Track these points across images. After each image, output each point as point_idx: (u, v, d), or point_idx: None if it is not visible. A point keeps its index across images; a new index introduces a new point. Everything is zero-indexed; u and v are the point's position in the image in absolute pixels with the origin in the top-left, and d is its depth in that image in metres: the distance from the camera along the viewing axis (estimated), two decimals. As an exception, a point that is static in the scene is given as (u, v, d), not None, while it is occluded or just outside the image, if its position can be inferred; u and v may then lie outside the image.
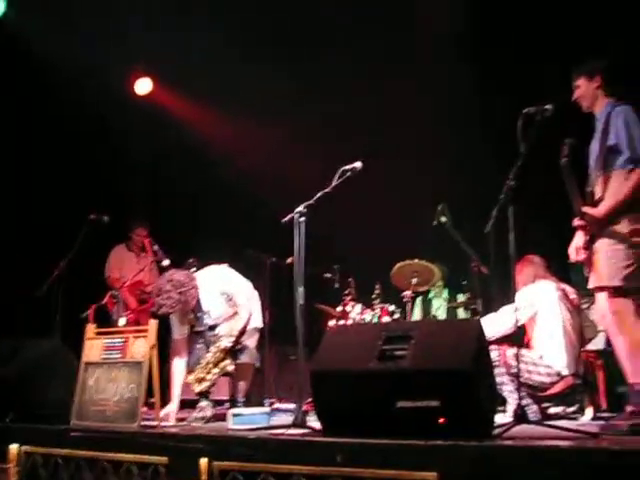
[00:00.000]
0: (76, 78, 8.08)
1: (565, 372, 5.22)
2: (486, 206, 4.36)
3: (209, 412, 5.50)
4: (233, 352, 5.56)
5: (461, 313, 7.42)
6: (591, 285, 4.43)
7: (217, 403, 5.90)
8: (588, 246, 4.40)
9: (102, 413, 4.55)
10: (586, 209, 4.43)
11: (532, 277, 5.58)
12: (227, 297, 5.70)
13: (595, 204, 4.42)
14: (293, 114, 8.11)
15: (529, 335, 5.50)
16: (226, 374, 5.59)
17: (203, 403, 5.55)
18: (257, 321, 5.96)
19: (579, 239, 4.50)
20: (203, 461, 3.71)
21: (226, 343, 5.50)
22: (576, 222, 4.54)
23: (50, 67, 8.08)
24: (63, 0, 7.63)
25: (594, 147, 4.55)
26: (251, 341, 5.82)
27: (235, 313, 5.68)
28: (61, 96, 8.27)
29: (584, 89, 4.63)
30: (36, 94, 8.33)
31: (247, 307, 5.68)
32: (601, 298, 4.33)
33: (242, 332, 5.59)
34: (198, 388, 5.47)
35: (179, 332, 5.64)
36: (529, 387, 5.19)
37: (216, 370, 5.49)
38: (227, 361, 5.50)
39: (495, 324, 5.25)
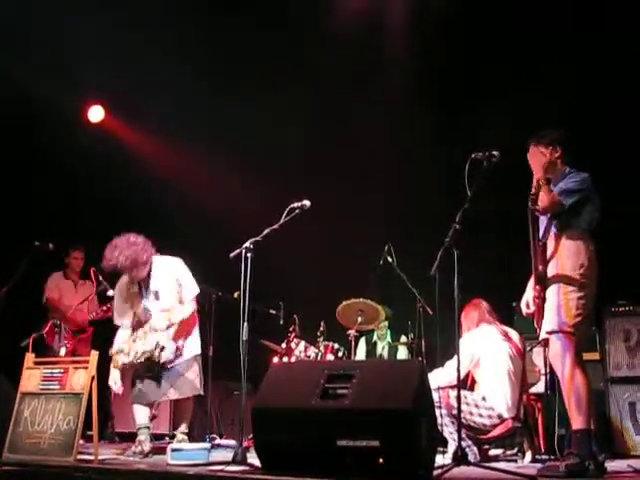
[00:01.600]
0: (27, 104, 8.01)
1: (506, 415, 5.27)
2: (433, 248, 4.41)
3: (147, 447, 5.38)
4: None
5: (403, 353, 7.48)
6: (545, 331, 4.41)
7: (156, 437, 5.81)
8: (539, 297, 4.42)
9: (37, 445, 4.44)
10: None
11: (476, 321, 5.66)
12: (178, 286, 5.55)
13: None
14: (244, 147, 8.15)
15: (473, 377, 5.56)
16: (148, 360, 5.34)
17: (142, 437, 5.42)
18: (196, 348, 5.74)
19: (530, 293, 4.53)
20: (140, 497, 3.65)
21: (161, 324, 5.34)
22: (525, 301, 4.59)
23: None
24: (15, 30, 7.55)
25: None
26: (190, 372, 5.63)
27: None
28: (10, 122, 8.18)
29: (540, 157, 4.49)
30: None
31: (192, 307, 5.55)
32: (554, 341, 4.34)
33: (178, 325, 5.41)
34: (118, 361, 5.32)
35: (118, 319, 5.57)
36: (470, 429, 5.24)
37: (140, 351, 5.31)
38: (155, 351, 5.31)
39: (441, 377, 5.30)
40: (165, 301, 5.54)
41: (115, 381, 5.37)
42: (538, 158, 4.50)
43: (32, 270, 6.78)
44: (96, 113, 9.30)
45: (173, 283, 5.58)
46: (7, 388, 5.02)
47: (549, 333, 4.27)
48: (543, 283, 4.36)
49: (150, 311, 5.53)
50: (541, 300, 4.37)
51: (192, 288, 5.64)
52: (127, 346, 5.39)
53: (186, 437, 5.69)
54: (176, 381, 5.58)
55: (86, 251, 7.78)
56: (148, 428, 5.53)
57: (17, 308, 6.81)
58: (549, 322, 4.27)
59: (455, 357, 4.22)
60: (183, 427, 5.76)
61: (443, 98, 7.64)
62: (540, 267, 4.38)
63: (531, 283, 4.51)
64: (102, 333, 7.60)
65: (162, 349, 5.33)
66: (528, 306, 4.52)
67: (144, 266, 5.47)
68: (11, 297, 6.68)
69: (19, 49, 7.80)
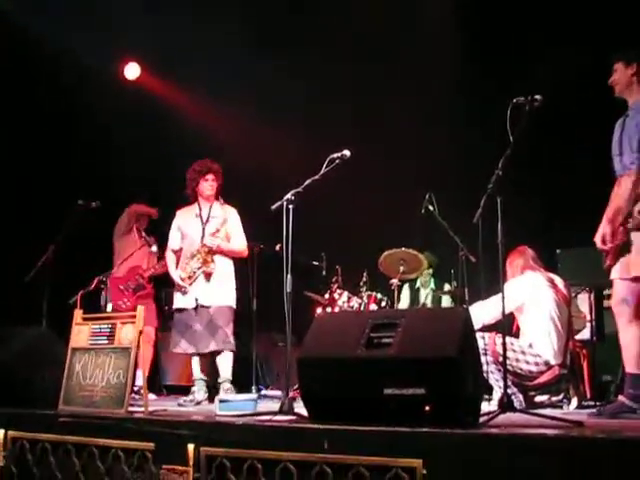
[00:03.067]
0: (64, 62, 8.04)
1: (553, 362, 5.25)
2: (475, 195, 4.36)
3: (201, 396, 5.83)
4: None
5: (446, 301, 7.46)
6: (615, 275, 4.39)
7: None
8: (614, 237, 4.35)
9: (89, 398, 4.54)
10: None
11: (521, 268, 5.60)
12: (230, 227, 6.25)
13: None
14: (279, 102, 8.10)
15: (518, 324, 5.53)
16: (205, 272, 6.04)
17: (197, 386, 5.94)
18: (233, 299, 6.16)
19: (607, 228, 4.44)
20: (190, 447, 3.71)
21: (212, 242, 6.04)
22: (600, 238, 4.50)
23: (37, 52, 8.05)
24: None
25: (616, 136, 4.51)
26: (230, 326, 6.08)
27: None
28: (47, 80, 8.23)
29: (619, 75, 4.56)
30: (23, 79, 8.28)
31: (239, 247, 6.28)
32: (622, 285, 4.31)
33: (223, 250, 6.14)
34: (182, 274, 6.06)
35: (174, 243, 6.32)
36: (516, 376, 5.22)
37: (197, 265, 6.05)
38: (209, 262, 6.04)
39: (483, 312, 5.27)
40: (217, 227, 6.17)
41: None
42: (615, 75, 4.53)
43: (80, 228, 6.89)
44: (132, 70, 9.31)
45: (229, 221, 6.23)
46: (58, 344, 5.13)
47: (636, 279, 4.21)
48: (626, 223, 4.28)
49: (207, 232, 6.13)
50: (621, 240, 4.30)
51: (242, 241, 6.29)
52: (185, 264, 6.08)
53: (232, 386, 5.87)
54: (216, 333, 5.80)
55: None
56: (204, 380, 6.02)
57: (65, 266, 6.93)
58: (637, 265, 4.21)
59: (499, 294, 4.18)
60: (226, 375, 5.92)
61: (481, 45, 7.50)
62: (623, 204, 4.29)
63: (607, 217, 4.43)
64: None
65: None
66: (604, 241, 4.43)
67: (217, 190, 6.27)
68: (59, 255, 6.81)
69: (55, 8, 7.82)
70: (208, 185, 6.23)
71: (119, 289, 7.21)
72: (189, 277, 6.06)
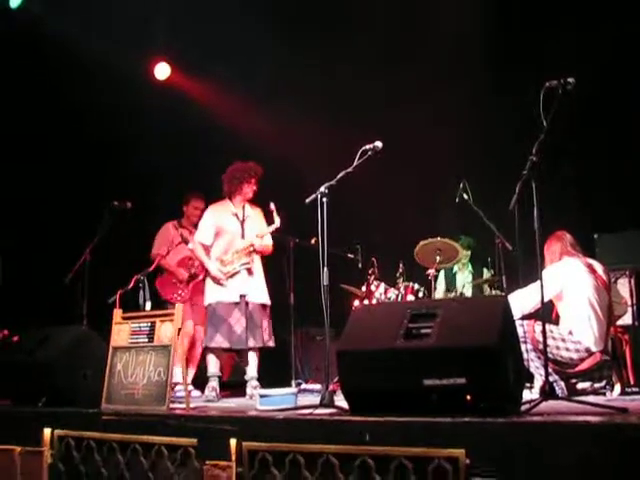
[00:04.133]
0: (95, 63, 8.13)
1: (594, 348, 5.19)
2: (509, 182, 4.32)
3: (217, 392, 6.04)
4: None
5: (487, 290, 7.39)
6: None
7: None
8: None
9: (131, 396, 4.59)
10: None
11: (559, 254, 5.53)
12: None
13: None
14: (309, 95, 8.10)
15: (557, 311, 5.47)
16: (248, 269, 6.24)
17: (214, 382, 6.08)
18: (267, 297, 6.30)
19: None
20: (232, 442, 3.74)
21: (259, 243, 6.31)
22: None
23: (68, 53, 8.14)
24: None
25: None
26: (265, 322, 6.23)
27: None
28: (80, 82, 8.33)
29: None
30: (55, 80, 8.38)
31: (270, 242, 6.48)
32: None
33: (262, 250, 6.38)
34: (223, 269, 6.20)
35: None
36: (557, 363, 5.17)
37: (243, 260, 6.23)
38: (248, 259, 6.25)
39: (522, 300, 5.22)
40: (257, 229, 6.38)
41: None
42: None
43: (116, 228, 6.97)
44: (162, 70, 9.37)
45: (260, 222, 6.45)
46: (99, 343, 5.19)
47: None
48: None
49: (247, 231, 6.32)
50: None
51: (269, 238, 6.46)
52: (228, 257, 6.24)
53: (258, 384, 5.92)
54: (254, 330, 5.86)
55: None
56: (218, 377, 6.17)
57: (103, 266, 7.01)
58: None
59: (538, 282, 4.13)
60: (254, 372, 6.05)
61: (512, 29, 7.42)
62: None
63: None
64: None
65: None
66: None
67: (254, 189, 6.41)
68: (97, 255, 6.89)
69: (85, 10, 7.91)
70: (250, 189, 6.39)
71: (171, 282, 7.23)
72: (229, 272, 6.15)
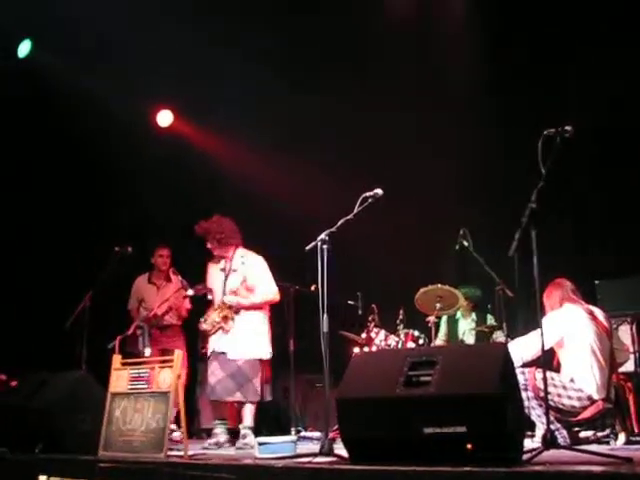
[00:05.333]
0: (99, 110, 8.24)
1: (596, 396, 5.13)
2: (508, 230, 4.34)
3: (223, 438, 5.90)
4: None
5: (500, 336, 7.34)
6: None
7: (231, 431, 6.02)
8: None
9: (129, 444, 4.55)
10: None
11: (559, 300, 5.51)
12: (251, 279, 6.19)
13: None
14: (309, 143, 8.17)
15: (558, 358, 5.44)
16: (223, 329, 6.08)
17: (218, 430, 5.99)
18: (263, 352, 6.10)
19: None
20: (231, 491, 3.70)
21: (230, 299, 6.08)
22: None
23: (71, 101, 8.26)
24: (84, 38, 7.76)
25: None
26: (257, 378, 6.03)
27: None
28: (82, 128, 8.43)
29: None
30: (56, 127, 8.49)
31: (262, 299, 6.19)
32: None
33: (244, 306, 6.12)
34: (203, 326, 6.15)
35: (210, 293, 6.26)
36: (559, 411, 5.12)
37: (217, 319, 6.08)
38: (229, 319, 6.08)
39: (523, 348, 5.19)
40: (236, 284, 6.15)
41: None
42: None
43: (116, 274, 6.99)
44: (165, 117, 9.49)
45: (248, 274, 6.15)
46: (98, 389, 5.16)
47: None
48: None
49: (227, 287, 6.14)
50: None
51: (267, 289, 6.21)
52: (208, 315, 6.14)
53: (249, 432, 5.83)
54: (243, 385, 5.80)
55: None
56: (223, 423, 6.04)
57: (102, 312, 7.01)
58: None
59: (539, 330, 4.12)
60: (248, 422, 5.97)
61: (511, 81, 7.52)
62: None
63: None
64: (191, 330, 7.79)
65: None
66: None
67: (229, 247, 6.21)
68: (96, 301, 6.89)
69: (88, 59, 8.04)
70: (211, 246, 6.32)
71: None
72: (211, 328, 6.13)
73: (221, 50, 8.13)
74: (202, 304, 6.44)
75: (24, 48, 8.58)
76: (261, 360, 6.08)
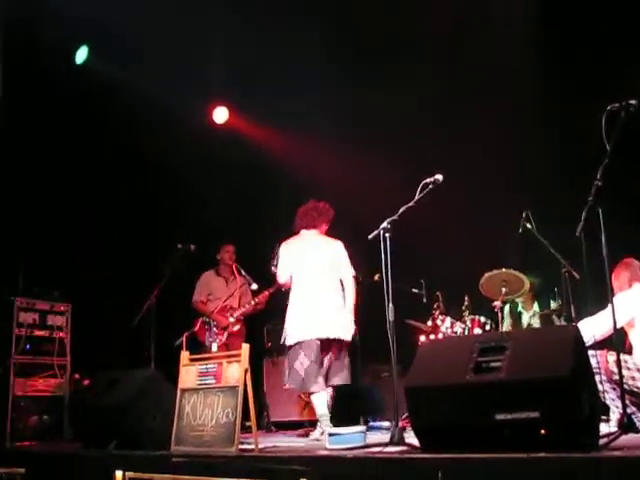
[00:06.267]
0: (155, 111, 8.34)
1: (672, 378, 4.99)
2: (573, 209, 4.24)
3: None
4: None
5: (555, 321, 7.21)
6: None
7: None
8: None
9: (200, 438, 4.60)
10: None
11: (628, 281, 5.38)
12: None
13: None
14: (367, 131, 8.12)
15: (630, 340, 5.30)
16: None
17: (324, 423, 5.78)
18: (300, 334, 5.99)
19: None
20: (303, 482, 3.70)
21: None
22: None
23: (128, 104, 8.38)
24: (139, 38, 7.85)
25: None
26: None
27: None
28: (139, 131, 8.55)
29: None
30: (118, 129, 8.62)
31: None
32: None
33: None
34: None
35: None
36: (633, 395, 4.99)
37: None
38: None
39: (592, 327, 5.07)
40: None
41: None
42: None
43: (180, 271, 7.09)
44: (221, 114, 9.56)
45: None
46: (167, 386, 5.24)
47: None
48: None
49: None
50: None
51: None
52: None
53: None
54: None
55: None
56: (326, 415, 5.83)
57: (169, 309, 7.11)
58: None
59: (608, 307, 4.01)
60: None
61: (569, 56, 7.34)
62: None
63: None
64: (253, 326, 7.88)
65: None
66: None
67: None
68: (162, 298, 7.00)
69: (142, 55, 8.15)
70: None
71: (209, 328, 7.45)
72: None
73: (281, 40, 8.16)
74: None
75: (81, 54, 8.73)
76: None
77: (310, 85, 8.16)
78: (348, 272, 6.12)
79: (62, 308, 7.38)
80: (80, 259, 8.23)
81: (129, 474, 4.52)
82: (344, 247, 6.16)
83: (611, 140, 4.09)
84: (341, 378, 5.97)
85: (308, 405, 7.08)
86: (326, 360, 5.94)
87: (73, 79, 8.47)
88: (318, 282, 6.01)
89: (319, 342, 5.88)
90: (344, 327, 5.96)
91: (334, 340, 5.92)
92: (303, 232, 6.26)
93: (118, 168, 8.75)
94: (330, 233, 6.39)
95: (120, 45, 8.17)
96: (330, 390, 5.95)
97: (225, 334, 7.50)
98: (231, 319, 7.50)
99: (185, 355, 5.02)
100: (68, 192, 8.38)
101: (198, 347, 7.09)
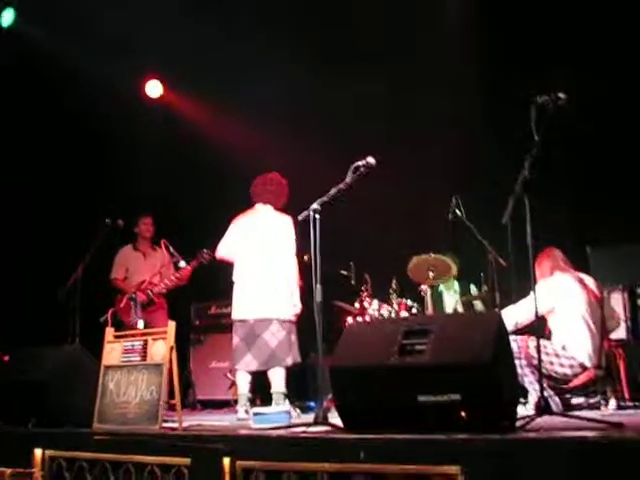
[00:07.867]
0: (85, 81, 8.15)
1: (588, 363, 5.18)
2: (501, 198, 4.32)
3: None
4: None
5: (479, 306, 7.37)
6: None
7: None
8: None
9: (124, 416, 4.55)
10: None
11: (550, 270, 5.55)
12: None
13: None
14: (301, 111, 8.10)
15: (550, 327, 5.46)
16: None
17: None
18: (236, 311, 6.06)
19: None
20: (226, 461, 3.69)
21: None
22: None
23: (59, 73, 8.16)
24: (72, 5, 7.64)
25: None
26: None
27: None
28: (69, 100, 8.34)
29: None
30: (45, 99, 8.39)
31: None
32: None
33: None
34: None
35: None
36: (551, 379, 5.16)
37: None
38: None
39: (515, 315, 5.22)
40: None
41: None
42: None
43: (107, 246, 6.96)
44: (154, 88, 9.40)
45: None
46: (91, 362, 5.15)
47: None
48: None
49: None
50: None
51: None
52: None
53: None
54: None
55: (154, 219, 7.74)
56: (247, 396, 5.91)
57: (95, 285, 6.98)
58: None
59: (531, 295, 4.12)
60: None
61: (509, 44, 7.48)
62: None
63: None
64: (177, 303, 7.77)
65: None
66: None
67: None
68: (88, 273, 6.86)
69: (75, 28, 7.93)
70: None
71: (129, 306, 7.19)
72: None
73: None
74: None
75: (7, 17, 8.41)
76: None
77: (248, 63, 8.10)
78: (291, 250, 6.10)
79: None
80: (2, 231, 8.01)
81: (49, 452, 4.43)
82: (292, 223, 6.08)
83: (539, 131, 4.17)
84: (291, 357, 5.98)
85: (235, 384, 7.06)
86: (266, 340, 5.90)
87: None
88: (260, 260, 6.02)
89: (253, 321, 5.88)
90: (284, 306, 5.95)
91: (273, 320, 5.91)
92: (258, 207, 6.23)
93: (45, 137, 8.52)
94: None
95: (50, 10, 7.91)
96: (280, 369, 5.94)
97: (144, 312, 7.22)
98: (150, 294, 7.26)
99: (110, 331, 4.94)
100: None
101: (121, 324, 6.96)
